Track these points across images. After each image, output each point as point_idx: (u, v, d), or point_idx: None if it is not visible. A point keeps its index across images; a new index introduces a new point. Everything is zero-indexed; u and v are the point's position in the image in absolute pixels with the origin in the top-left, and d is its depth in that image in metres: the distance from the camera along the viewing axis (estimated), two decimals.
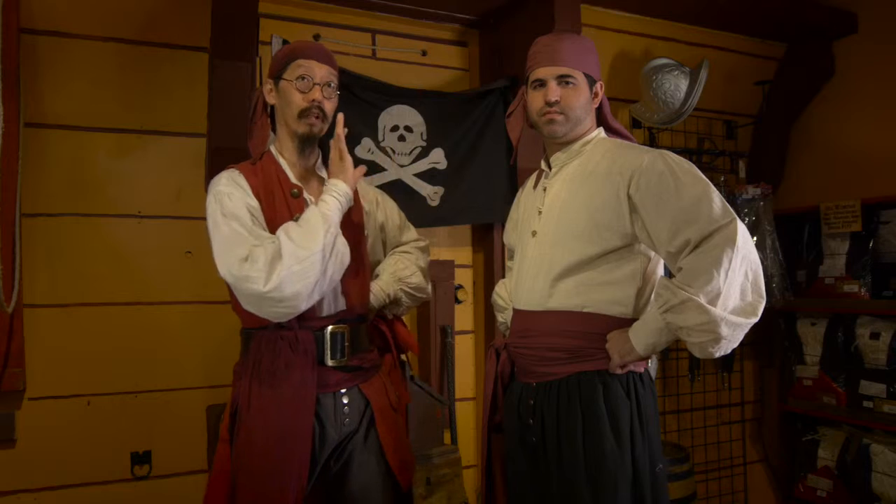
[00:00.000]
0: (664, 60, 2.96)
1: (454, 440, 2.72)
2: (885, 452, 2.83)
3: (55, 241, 2.24)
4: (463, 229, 2.90)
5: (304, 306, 1.53)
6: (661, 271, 1.69)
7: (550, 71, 1.66)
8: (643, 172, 1.56)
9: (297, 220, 1.62)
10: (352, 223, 1.71)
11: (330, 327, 1.63)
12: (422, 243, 1.98)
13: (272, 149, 1.73)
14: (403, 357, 1.93)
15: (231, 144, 2.04)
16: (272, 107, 1.73)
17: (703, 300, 1.44)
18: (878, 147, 3.10)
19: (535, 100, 1.70)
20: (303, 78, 1.65)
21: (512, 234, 1.92)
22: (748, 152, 3.41)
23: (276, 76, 1.69)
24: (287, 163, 1.70)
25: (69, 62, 2.26)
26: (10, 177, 2.08)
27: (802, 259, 3.30)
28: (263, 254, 1.48)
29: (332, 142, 1.69)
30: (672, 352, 3.18)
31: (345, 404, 1.66)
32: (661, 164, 1.56)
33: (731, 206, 1.70)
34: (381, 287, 1.81)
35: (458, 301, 2.83)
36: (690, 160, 1.62)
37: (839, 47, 3.28)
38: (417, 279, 1.87)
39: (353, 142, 2.51)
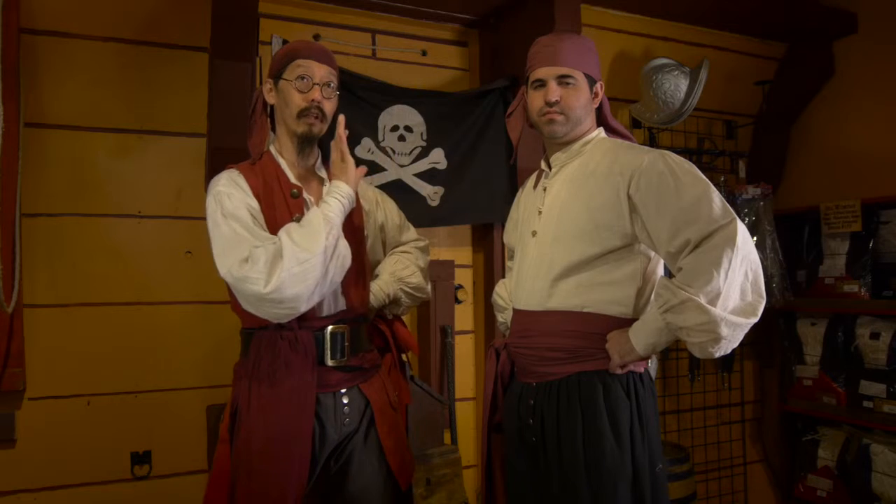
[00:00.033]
0: (664, 60, 2.95)
1: (454, 440, 2.72)
2: (885, 452, 2.83)
3: (55, 241, 2.24)
4: (463, 229, 2.90)
5: (304, 308, 1.53)
6: (661, 271, 1.69)
7: (550, 71, 1.66)
8: (643, 172, 1.56)
9: (297, 220, 1.62)
10: (351, 223, 1.70)
11: (330, 327, 1.63)
12: (421, 243, 1.98)
13: (272, 149, 1.73)
14: (404, 357, 1.93)
15: (231, 144, 2.04)
16: (272, 106, 1.73)
17: (703, 300, 1.44)
18: (878, 147, 3.10)
19: (536, 100, 1.70)
20: (302, 78, 1.64)
21: (512, 234, 1.92)
22: (748, 152, 3.41)
23: (276, 76, 1.68)
24: (286, 163, 1.70)
25: (69, 62, 2.26)
26: (10, 177, 2.08)
27: (802, 259, 3.30)
28: (264, 254, 1.48)
29: (333, 143, 1.69)
30: (672, 352, 3.18)
31: (345, 404, 1.66)
32: (662, 164, 1.56)
33: (731, 206, 1.70)
34: (381, 287, 1.81)
35: (458, 301, 2.83)
36: (690, 160, 1.62)
37: (839, 47, 3.28)
38: (417, 279, 1.87)
39: (353, 142, 2.51)
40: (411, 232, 1.98)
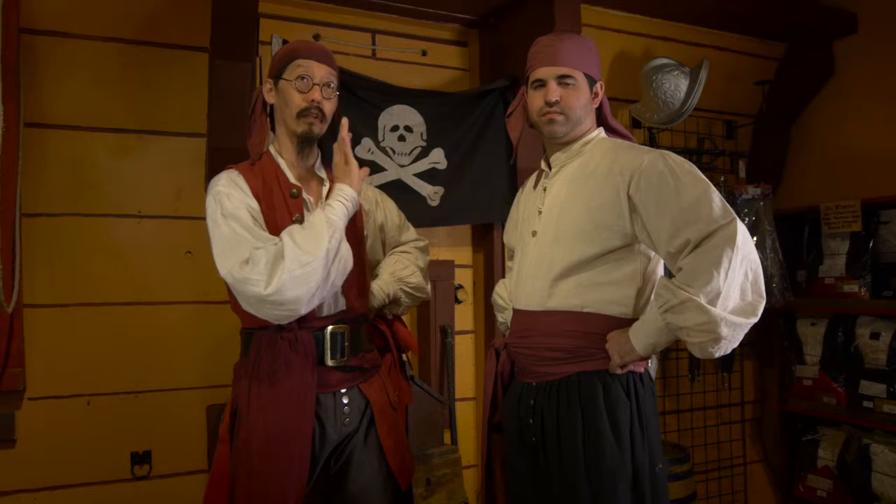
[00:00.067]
0: (664, 60, 2.96)
1: (454, 440, 2.72)
2: (885, 452, 2.83)
3: (55, 241, 2.24)
4: (463, 229, 2.90)
5: (304, 310, 1.53)
6: (661, 271, 1.69)
7: (550, 71, 1.66)
8: (643, 172, 1.56)
9: (297, 220, 1.62)
10: (352, 223, 1.70)
11: (330, 327, 1.63)
12: (421, 243, 1.98)
13: (271, 149, 1.73)
14: (405, 357, 1.93)
15: (231, 144, 2.04)
16: (271, 106, 1.73)
17: (702, 300, 1.44)
18: (878, 147, 3.10)
19: (536, 100, 1.70)
20: (302, 78, 1.64)
21: (512, 234, 1.92)
22: (748, 152, 3.41)
23: (276, 76, 1.68)
24: (286, 163, 1.70)
25: (69, 62, 2.26)
26: (10, 177, 2.08)
27: (802, 259, 3.30)
28: (265, 256, 1.48)
29: (336, 145, 1.68)
30: (672, 352, 3.18)
31: (345, 404, 1.66)
32: (662, 164, 1.56)
33: (731, 206, 1.70)
34: (381, 287, 1.81)
35: (458, 301, 2.83)
36: (690, 160, 1.62)
37: (839, 47, 3.28)
38: (417, 279, 1.87)
39: (353, 142, 2.49)
40: (411, 232, 1.98)
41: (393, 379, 1.83)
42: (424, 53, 2.80)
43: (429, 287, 1.94)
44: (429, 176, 2.65)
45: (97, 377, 2.27)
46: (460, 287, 2.85)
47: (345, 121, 1.69)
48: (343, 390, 1.66)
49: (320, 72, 1.66)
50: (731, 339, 1.47)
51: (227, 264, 1.51)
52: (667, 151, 1.60)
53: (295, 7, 2.57)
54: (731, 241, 1.45)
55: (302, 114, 1.65)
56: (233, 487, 1.57)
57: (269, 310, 1.50)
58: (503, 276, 2.06)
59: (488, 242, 2.83)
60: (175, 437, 2.36)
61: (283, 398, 1.56)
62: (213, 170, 1.82)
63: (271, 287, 1.46)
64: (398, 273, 1.85)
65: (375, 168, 2.55)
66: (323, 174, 1.76)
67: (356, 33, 2.68)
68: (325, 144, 1.77)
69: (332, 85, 1.69)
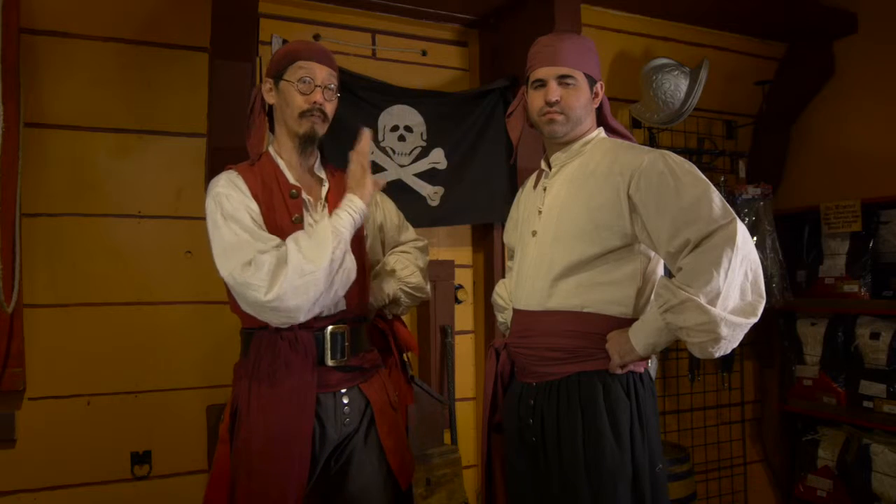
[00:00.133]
0: (664, 60, 2.96)
1: (454, 440, 2.72)
2: (885, 452, 2.83)
3: (55, 241, 2.24)
4: (463, 229, 2.90)
5: (303, 318, 1.53)
6: (661, 271, 1.69)
7: (551, 71, 1.66)
8: (643, 172, 1.56)
9: (295, 220, 1.62)
10: None
11: (330, 327, 1.63)
12: (420, 243, 1.98)
13: (270, 149, 1.73)
14: (406, 357, 1.92)
15: (231, 144, 2.04)
16: (270, 106, 1.73)
17: (702, 300, 1.44)
18: (878, 147, 3.10)
19: (536, 100, 1.70)
20: (304, 80, 1.64)
21: (512, 233, 1.92)
22: (748, 152, 3.41)
23: (276, 76, 1.68)
24: (285, 163, 1.70)
25: (69, 62, 2.26)
26: (10, 177, 2.08)
27: (802, 259, 3.30)
28: (268, 261, 1.48)
29: (353, 153, 1.66)
30: (672, 352, 3.18)
31: (345, 404, 1.66)
32: (662, 164, 1.56)
33: (731, 206, 1.70)
34: (381, 287, 1.81)
35: (458, 301, 2.83)
36: (690, 160, 1.62)
37: (839, 47, 3.28)
38: (416, 279, 1.87)
39: (353, 142, 2.48)
40: (410, 232, 1.98)
41: (395, 379, 1.83)
42: (424, 53, 2.80)
43: (429, 287, 1.94)
44: (429, 176, 2.65)
45: (97, 377, 2.27)
46: (460, 287, 2.85)
47: (367, 133, 1.68)
48: (343, 390, 1.66)
49: (321, 73, 1.66)
50: (730, 339, 1.47)
51: (228, 267, 1.51)
52: (667, 151, 1.60)
53: (295, 7, 2.57)
54: (731, 241, 1.45)
55: (304, 114, 1.65)
56: (233, 487, 1.57)
57: (268, 315, 1.51)
58: (503, 276, 2.06)
59: (488, 242, 2.83)
60: (175, 437, 2.36)
61: (283, 398, 1.56)
62: (213, 170, 1.82)
63: (271, 294, 1.46)
64: (398, 273, 1.85)
65: (375, 168, 2.54)
66: (322, 174, 1.76)
67: (356, 33, 2.68)
68: (325, 145, 1.77)
69: (332, 86, 1.69)
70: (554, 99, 1.65)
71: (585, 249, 1.62)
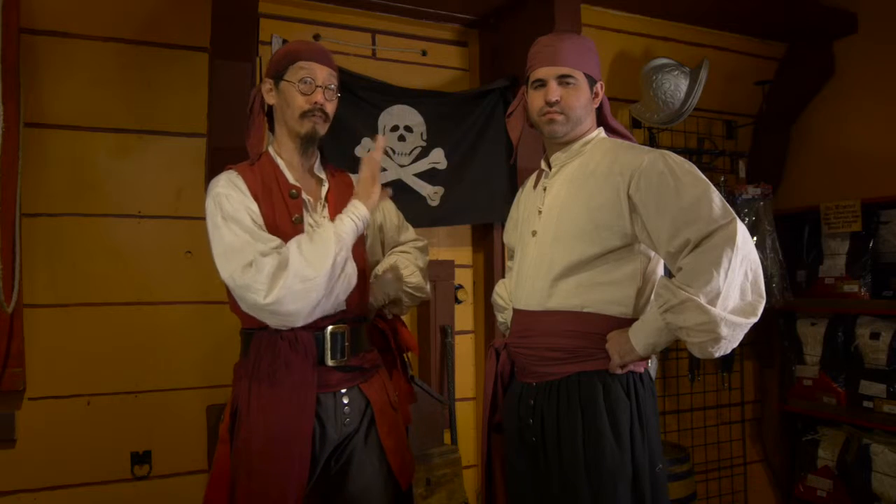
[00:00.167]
0: (664, 60, 2.96)
1: (454, 440, 2.72)
2: (885, 452, 2.83)
3: (55, 241, 2.24)
4: (463, 229, 2.90)
5: (301, 323, 1.54)
6: (661, 271, 1.69)
7: (551, 71, 1.66)
8: (643, 172, 1.56)
9: (296, 220, 1.62)
10: None
11: (330, 327, 1.63)
12: (420, 243, 1.98)
13: (270, 149, 1.73)
14: (406, 357, 1.92)
15: (231, 144, 2.04)
16: (269, 106, 1.73)
17: (702, 300, 1.44)
18: (878, 147, 3.10)
19: (536, 100, 1.70)
20: (305, 81, 1.64)
21: (512, 233, 1.92)
22: (748, 152, 3.41)
23: (276, 76, 1.68)
24: (285, 163, 1.70)
25: (69, 62, 2.26)
26: (10, 177, 2.08)
27: (802, 259, 3.30)
28: (269, 264, 1.48)
29: (365, 159, 1.66)
30: (672, 352, 3.18)
31: (345, 404, 1.66)
32: (662, 164, 1.56)
33: (731, 206, 1.70)
34: (381, 287, 1.81)
35: (458, 301, 2.83)
36: (690, 160, 1.62)
37: (839, 47, 3.28)
38: (416, 279, 1.87)
39: (353, 142, 2.51)
40: (410, 232, 1.98)
41: (395, 379, 1.83)
42: (424, 53, 2.80)
43: (428, 287, 1.94)
44: (429, 176, 2.65)
45: (97, 377, 2.27)
46: (460, 287, 2.85)
47: (382, 139, 1.69)
48: (343, 390, 1.66)
49: (322, 73, 1.66)
50: (730, 338, 1.47)
51: (228, 268, 1.52)
52: (667, 151, 1.60)
53: (295, 7, 2.57)
54: (731, 240, 1.45)
55: (305, 114, 1.65)
56: (233, 487, 1.57)
57: (266, 317, 1.52)
58: (503, 276, 2.06)
59: (488, 242, 2.83)
60: (175, 437, 2.36)
61: (283, 398, 1.56)
62: (213, 170, 1.82)
63: (270, 297, 1.47)
64: (398, 273, 1.85)
65: None
66: (322, 175, 1.76)
67: (356, 33, 2.68)
68: (325, 145, 1.77)
69: (333, 86, 1.70)
70: (554, 99, 1.65)
71: (585, 249, 1.62)
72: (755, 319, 1.49)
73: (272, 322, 1.54)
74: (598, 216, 1.61)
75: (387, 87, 2.59)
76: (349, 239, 1.57)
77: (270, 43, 2.35)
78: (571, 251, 1.63)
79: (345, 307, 1.67)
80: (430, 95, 2.70)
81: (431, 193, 2.66)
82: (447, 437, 2.72)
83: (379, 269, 1.87)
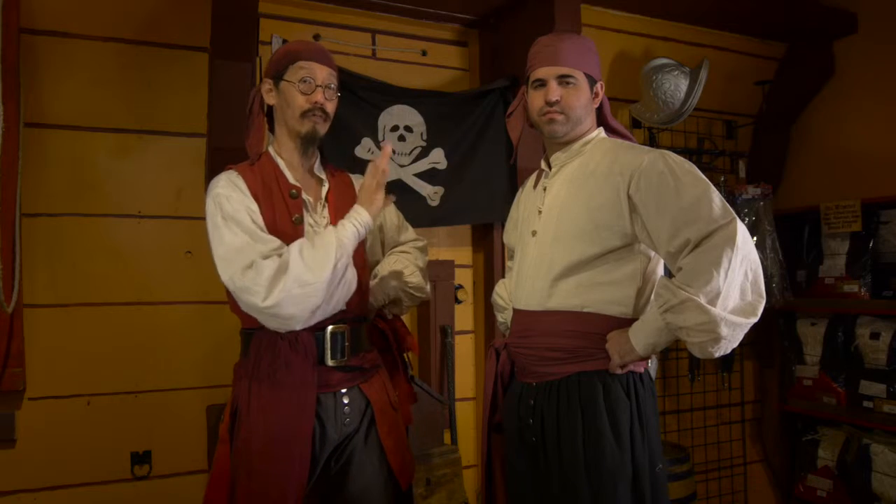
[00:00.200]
0: (664, 60, 2.96)
1: (454, 440, 2.72)
2: (885, 452, 2.83)
3: (55, 241, 2.24)
4: (463, 229, 2.90)
5: (299, 326, 1.54)
6: (661, 271, 1.69)
7: (551, 71, 1.66)
8: (643, 172, 1.56)
9: (296, 220, 1.62)
10: None
11: (330, 327, 1.63)
12: (420, 243, 1.98)
13: (270, 149, 1.73)
14: (406, 357, 1.92)
15: (231, 144, 2.04)
16: (269, 107, 1.73)
17: (702, 300, 1.44)
18: (878, 147, 3.10)
19: (536, 100, 1.70)
20: (305, 80, 1.64)
21: (512, 233, 1.92)
22: (748, 152, 3.41)
23: (276, 76, 1.68)
24: (285, 163, 1.70)
25: (69, 62, 2.26)
26: (10, 177, 2.08)
27: (802, 259, 3.30)
28: (269, 267, 1.48)
29: (371, 166, 1.65)
30: (672, 352, 3.18)
31: (345, 404, 1.66)
32: (662, 164, 1.56)
33: (731, 206, 1.70)
34: (381, 287, 1.81)
35: (458, 301, 2.83)
36: (690, 160, 1.62)
37: (839, 47, 3.28)
38: (416, 279, 1.87)
39: (353, 142, 2.51)
40: (410, 232, 1.98)
41: (396, 379, 1.83)
42: (424, 53, 2.80)
43: (428, 287, 1.94)
44: (429, 176, 2.65)
45: (97, 377, 2.27)
46: (460, 287, 2.85)
47: (388, 148, 1.68)
48: (343, 390, 1.66)
49: (322, 73, 1.66)
50: (730, 338, 1.47)
51: (228, 270, 1.52)
52: (667, 151, 1.60)
53: (295, 7, 2.57)
54: (731, 240, 1.45)
55: (306, 114, 1.65)
56: (233, 487, 1.57)
57: (265, 319, 1.53)
58: (503, 276, 2.06)
59: (488, 242, 2.83)
60: (175, 437, 2.36)
61: (283, 398, 1.56)
62: (213, 170, 1.82)
63: (269, 300, 1.47)
64: (398, 273, 1.85)
65: None
66: (322, 175, 1.76)
67: (356, 33, 2.68)
68: (325, 145, 1.77)
69: (332, 86, 1.70)
70: (554, 99, 1.65)
71: (585, 249, 1.62)
72: (755, 319, 1.49)
73: (271, 324, 1.54)
74: (598, 216, 1.61)
75: (387, 87, 2.59)
76: (351, 245, 1.57)
77: (270, 43, 2.35)
78: (571, 251, 1.63)
79: (345, 307, 1.67)
80: (430, 95, 2.70)
81: (431, 193, 2.66)
82: (447, 437, 2.72)
83: (379, 269, 1.87)
